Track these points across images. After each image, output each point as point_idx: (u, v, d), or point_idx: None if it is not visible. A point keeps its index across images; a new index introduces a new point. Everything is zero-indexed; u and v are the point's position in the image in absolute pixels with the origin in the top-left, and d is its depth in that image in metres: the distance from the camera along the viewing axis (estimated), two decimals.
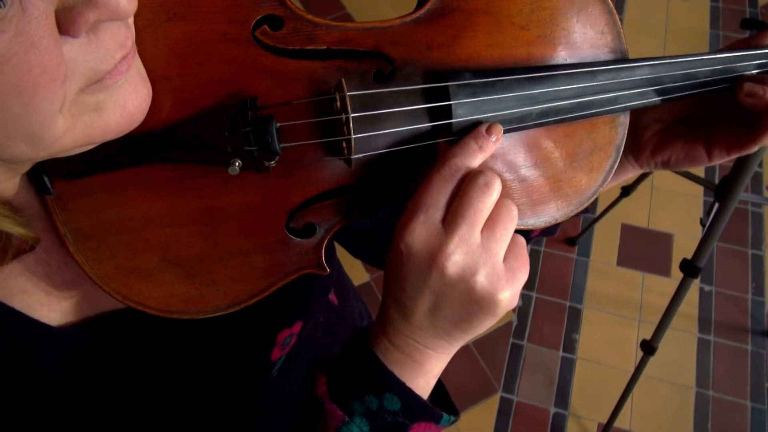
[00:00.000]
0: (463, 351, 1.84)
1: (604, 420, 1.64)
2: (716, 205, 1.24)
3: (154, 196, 0.38)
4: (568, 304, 1.94)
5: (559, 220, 0.46)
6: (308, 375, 0.43)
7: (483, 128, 0.40)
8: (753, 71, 0.48)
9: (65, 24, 0.27)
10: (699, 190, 2.09)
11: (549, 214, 0.45)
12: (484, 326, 0.40)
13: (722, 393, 1.77)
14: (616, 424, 1.65)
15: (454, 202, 0.38)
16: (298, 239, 0.41)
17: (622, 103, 0.45)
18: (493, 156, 0.43)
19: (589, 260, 2.02)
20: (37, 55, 0.26)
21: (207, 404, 0.50)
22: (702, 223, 1.32)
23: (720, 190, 1.21)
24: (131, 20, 0.35)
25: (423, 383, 0.42)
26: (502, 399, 1.78)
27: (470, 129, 0.41)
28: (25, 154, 0.31)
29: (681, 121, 0.52)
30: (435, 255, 0.37)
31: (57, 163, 0.36)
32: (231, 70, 0.39)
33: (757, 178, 2.14)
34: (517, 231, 0.40)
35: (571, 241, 2.05)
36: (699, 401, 1.76)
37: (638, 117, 0.54)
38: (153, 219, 0.38)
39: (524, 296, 1.95)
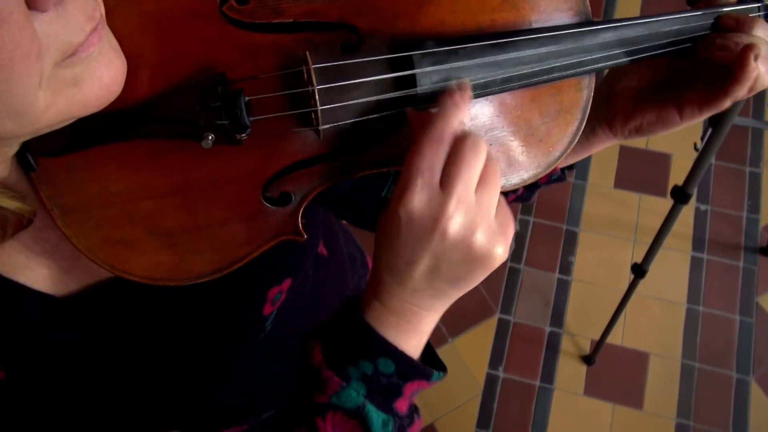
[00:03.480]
0: None
1: (598, 337, 1.72)
2: (709, 130, 1.24)
3: (134, 171, 0.40)
4: (564, 227, 1.97)
5: (527, 181, 0.47)
6: (302, 345, 0.45)
7: (453, 85, 0.41)
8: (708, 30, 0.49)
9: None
10: None
11: (517, 175, 0.47)
12: (478, 280, 0.41)
13: (712, 308, 1.84)
14: (609, 340, 1.73)
15: (448, 164, 0.38)
16: (275, 207, 0.42)
17: (585, 66, 0.46)
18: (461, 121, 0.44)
19: (587, 183, 2.03)
20: (9, 31, 0.27)
21: (205, 358, 0.54)
22: (696, 148, 1.33)
23: (713, 116, 1.20)
24: None
25: (416, 342, 0.44)
26: (499, 320, 1.85)
27: (436, 96, 0.42)
28: (12, 132, 0.32)
29: (651, 86, 0.53)
30: (437, 218, 0.37)
31: (40, 141, 0.37)
32: (201, 45, 0.39)
33: (760, 97, 2.11)
34: None
35: (568, 166, 2.05)
36: (689, 316, 1.83)
37: (609, 85, 0.55)
38: (134, 192, 0.40)
39: (521, 221, 1.98)
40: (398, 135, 0.44)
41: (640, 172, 2.03)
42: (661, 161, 2.05)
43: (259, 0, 0.40)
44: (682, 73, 0.51)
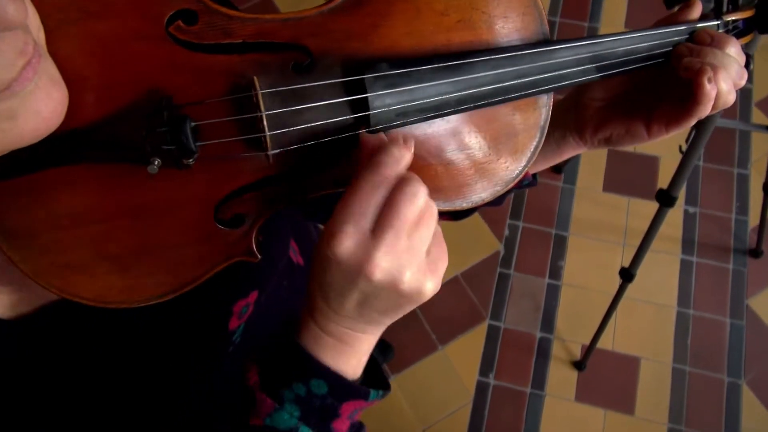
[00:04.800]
0: (452, 282, 1.89)
1: (588, 342, 1.71)
2: (693, 133, 1.23)
3: (80, 195, 0.39)
4: (553, 231, 1.97)
5: (487, 200, 0.46)
6: (242, 367, 0.45)
7: (399, 136, 0.40)
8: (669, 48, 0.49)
9: None
10: None
11: (476, 194, 0.46)
12: (407, 311, 0.42)
13: (702, 311, 1.83)
14: (600, 345, 1.72)
15: (383, 211, 0.38)
16: (227, 229, 0.41)
17: (542, 86, 0.45)
18: (420, 141, 0.43)
19: (575, 187, 2.03)
20: None
21: (170, 373, 0.52)
22: (681, 150, 1.32)
23: None
24: (35, 24, 0.34)
25: (355, 362, 0.44)
26: (489, 326, 1.84)
27: (389, 119, 0.41)
28: None
29: (621, 99, 0.52)
30: (362, 264, 0.37)
31: None
32: (147, 67, 0.38)
33: (747, 99, 2.11)
34: (448, 212, 0.41)
35: (557, 169, 2.05)
36: (680, 320, 1.82)
37: (580, 96, 0.54)
38: (81, 216, 0.39)
39: (511, 226, 1.97)
40: (351, 157, 0.43)
41: (628, 176, 2.03)
42: (649, 164, 2.04)
43: (207, 21, 0.39)
44: (650, 88, 0.51)
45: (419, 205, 0.38)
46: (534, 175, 0.62)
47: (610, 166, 2.05)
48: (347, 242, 0.37)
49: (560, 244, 1.95)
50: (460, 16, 0.43)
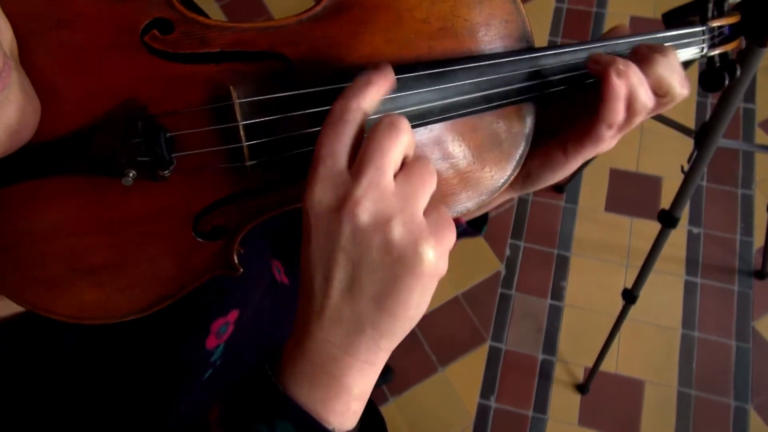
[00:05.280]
0: (453, 302, 1.87)
1: (591, 364, 1.68)
2: (695, 152, 1.22)
3: (54, 208, 0.38)
4: (555, 252, 1.95)
5: (471, 209, 0.45)
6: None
7: (370, 66, 0.37)
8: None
9: None
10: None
11: (461, 204, 0.45)
12: (413, 302, 0.34)
13: (708, 333, 1.80)
14: (603, 368, 1.69)
15: (361, 147, 0.34)
16: (207, 242, 0.40)
17: (526, 94, 0.44)
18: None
19: (577, 207, 2.01)
20: None
21: (144, 392, 0.50)
22: (683, 170, 1.31)
23: (698, 137, 1.19)
24: (7, 35, 0.33)
25: (341, 406, 0.35)
26: (491, 348, 1.81)
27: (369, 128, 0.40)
28: None
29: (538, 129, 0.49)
30: (342, 204, 0.33)
31: None
32: (122, 78, 0.37)
33: (750, 119, 2.10)
34: None
35: (558, 189, 2.03)
36: (684, 342, 1.79)
37: None
38: (56, 230, 0.38)
39: (512, 246, 1.95)
40: None
41: (630, 195, 2.01)
42: (652, 184, 2.03)
43: (184, 29, 0.38)
44: (562, 106, 0.48)
45: (401, 138, 0.34)
46: (478, 224, 0.57)
47: (612, 185, 2.03)
48: (320, 185, 0.33)
49: (562, 264, 1.93)
50: (441, 23, 0.42)
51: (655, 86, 0.42)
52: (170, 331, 0.49)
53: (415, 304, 0.34)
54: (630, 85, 0.41)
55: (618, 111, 0.41)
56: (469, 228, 0.56)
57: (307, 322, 0.36)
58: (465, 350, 1.82)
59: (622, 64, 0.41)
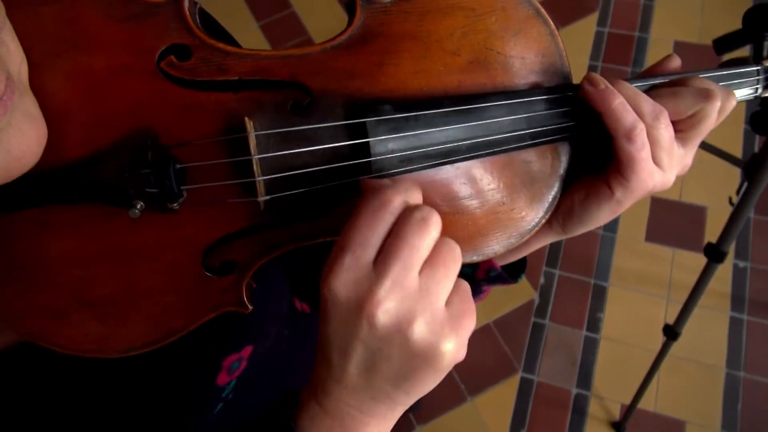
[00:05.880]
0: (484, 330, 1.81)
1: (628, 401, 1.60)
2: (745, 184, 1.16)
3: (60, 237, 0.37)
4: (592, 281, 1.88)
5: (498, 253, 0.42)
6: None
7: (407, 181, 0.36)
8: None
9: None
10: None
11: (489, 247, 0.42)
12: (429, 384, 0.35)
13: (754, 374, 1.70)
14: (641, 405, 1.61)
15: (387, 240, 0.33)
16: (216, 277, 0.38)
17: (562, 134, 0.41)
18: (428, 188, 0.39)
19: (616, 236, 1.94)
20: None
21: (148, 425, 0.48)
22: (731, 202, 1.25)
23: (749, 169, 1.13)
24: (17, 56, 0.32)
25: None
26: (522, 379, 1.75)
27: (392, 165, 0.37)
28: None
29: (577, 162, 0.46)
30: (363, 302, 0.32)
31: None
32: (135, 104, 0.36)
33: None
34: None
35: None
36: (729, 382, 1.70)
37: None
38: (60, 260, 0.37)
39: (547, 273, 1.90)
40: (353, 201, 0.40)
41: (673, 226, 1.93)
42: (696, 214, 1.95)
43: (202, 56, 0.37)
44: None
45: (431, 233, 0.33)
46: (515, 271, 0.54)
47: (654, 214, 1.96)
48: (344, 276, 0.32)
49: (599, 294, 1.86)
50: (473, 56, 0.40)
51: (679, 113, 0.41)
52: (178, 367, 0.47)
53: (430, 385, 0.36)
54: (625, 95, 0.39)
55: (620, 117, 0.39)
56: (504, 273, 0.53)
57: (326, 382, 0.36)
58: (495, 380, 1.76)
59: (602, 83, 0.40)
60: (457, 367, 1.77)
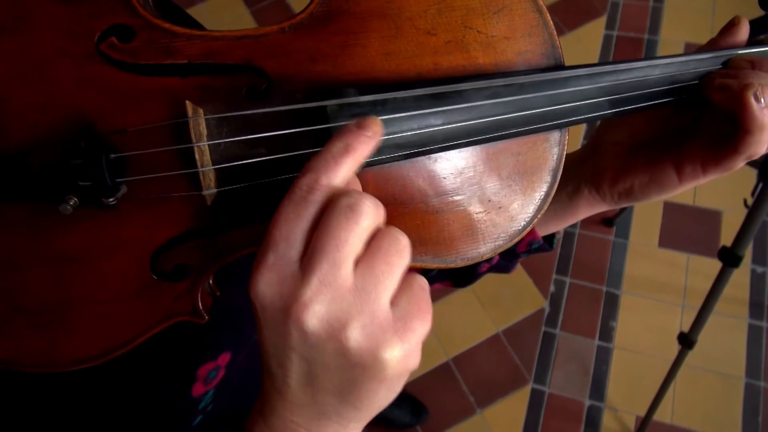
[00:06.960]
0: (493, 340, 1.77)
1: (643, 413, 1.55)
2: (760, 185, 1.11)
3: None
4: (604, 289, 1.83)
5: (485, 256, 0.38)
6: None
7: (352, 124, 0.31)
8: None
9: None
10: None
11: (472, 249, 0.38)
12: (380, 397, 0.31)
13: None
14: (656, 417, 1.55)
15: (314, 235, 0.29)
16: (168, 282, 0.35)
17: (551, 121, 0.37)
18: (400, 183, 0.36)
19: (628, 242, 1.89)
20: None
21: None
22: (746, 205, 1.20)
23: (764, 169, 1.08)
24: None
25: None
26: (533, 390, 1.70)
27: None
28: None
29: (645, 142, 0.44)
30: (289, 305, 0.28)
31: None
32: (72, 90, 0.33)
33: None
34: (443, 270, 0.33)
35: (608, 222, 1.92)
36: (749, 392, 1.63)
37: (597, 138, 0.46)
38: None
39: (557, 282, 1.85)
40: None
41: (687, 230, 1.88)
42: (711, 218, 1.89)
43: (146, 38, 0.34)
44: (680, 123, 0.43)
45: (361, 223, 0.29)
46: (550, 240, 0.52)
47: (667, 219, 1.91)
48: (267, 276, 0.29)
49: (612, 302, 1.81)
50: (450, 35, 0.36)
51: None
52: (148, 379, 0.44)
53: (383, 399, 0.32)
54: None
55: (762, 139, 0.36)
56: (546, 244, 0.51)
57: (271, 397, 0.33)
58: (505, 392, 1.71)
59: (753, 77, 0.36)
60: (465, 378, 1.73)
